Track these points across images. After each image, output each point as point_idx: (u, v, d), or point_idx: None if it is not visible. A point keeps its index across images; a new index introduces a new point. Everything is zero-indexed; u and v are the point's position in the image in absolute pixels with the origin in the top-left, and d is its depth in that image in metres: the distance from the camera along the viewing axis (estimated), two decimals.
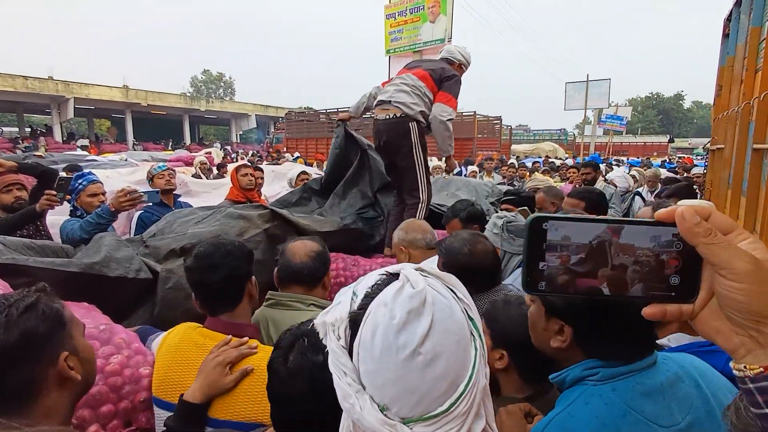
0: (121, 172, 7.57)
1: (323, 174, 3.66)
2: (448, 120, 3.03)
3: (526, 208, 3.25)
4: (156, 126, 40.41)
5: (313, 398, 0.84)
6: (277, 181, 7.12)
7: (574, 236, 0.51)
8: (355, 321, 0.68)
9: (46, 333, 1.00)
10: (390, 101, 3.07)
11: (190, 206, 3.58)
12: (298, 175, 4.82)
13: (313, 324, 0.94)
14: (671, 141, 42.18)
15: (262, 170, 4.79)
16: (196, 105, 36.98)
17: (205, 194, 6.15)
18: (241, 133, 42.69)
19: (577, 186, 5.07)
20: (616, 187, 5.49)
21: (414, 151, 3.09)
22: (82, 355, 1.06)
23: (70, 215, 2.94)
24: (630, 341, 0.96)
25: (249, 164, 4.53)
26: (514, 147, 25.27)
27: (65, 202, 2.99)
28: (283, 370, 0.87)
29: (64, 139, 30.21)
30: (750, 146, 3.44)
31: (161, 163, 3.92)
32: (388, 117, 3.06)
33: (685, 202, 0.51)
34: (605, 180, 5.63)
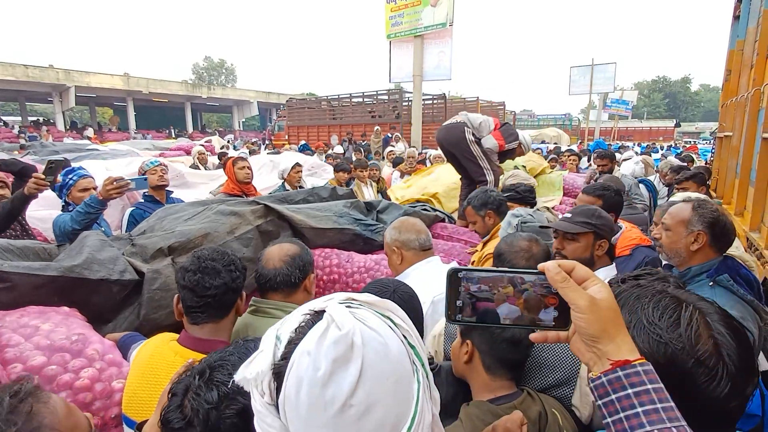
0: (121, 163, 7.49)
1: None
2: (488, 148, 3.87)
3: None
4: (158, 114, 40.26)
5: None
6: (276, 171, 7.00)
7: (484, 280, 0.70)
8: (278, 374, 0.60)
9: None
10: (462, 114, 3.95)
11: (183, 202, 3.49)
12: (293, 167, 4.53)
13: (206, 360, 0.87)
14: (677, 125, 41.84)
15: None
16: (198, 92, 36.67)
17: (203, 185, 6.04)
18: (243, 120, 42.45)
19: (596, 174, 4.97)
20: (635, 178, 5.42)
21: (470, 147, 3.80)
22: None
23: (62, 210, 2.86)
24: None
25: (244, 158, 4.39)
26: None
27: (59, 200, 2.92)
28: (177, 421, 0.79)
29: (67, 128, 30.15)
30: (760, 134, 3.31)
31: (153, 158, 3.82)
32: (449, 123, 3.88)
33: (557, 263, 0.69)
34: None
